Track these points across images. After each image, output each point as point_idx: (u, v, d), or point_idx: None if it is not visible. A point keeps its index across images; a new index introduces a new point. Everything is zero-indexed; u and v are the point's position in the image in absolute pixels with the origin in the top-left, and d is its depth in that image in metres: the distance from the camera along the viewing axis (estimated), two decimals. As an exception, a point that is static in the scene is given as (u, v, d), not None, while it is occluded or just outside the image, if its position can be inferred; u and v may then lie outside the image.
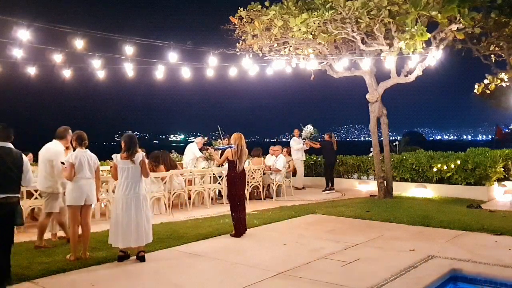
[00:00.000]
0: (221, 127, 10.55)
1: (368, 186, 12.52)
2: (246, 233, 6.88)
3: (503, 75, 11.17)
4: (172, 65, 8.80)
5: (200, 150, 10.89)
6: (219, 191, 10.43)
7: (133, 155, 5.46)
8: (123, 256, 5.43)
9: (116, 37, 7.53)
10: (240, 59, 9.67)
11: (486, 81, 11.73)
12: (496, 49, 10.71)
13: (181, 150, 11.97)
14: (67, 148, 6.21)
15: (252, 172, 10.48)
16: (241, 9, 10.12)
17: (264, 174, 10.96)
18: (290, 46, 10.41)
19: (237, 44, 10.63)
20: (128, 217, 5.36)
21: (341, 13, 8.70)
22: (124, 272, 5.04)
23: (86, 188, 5.54)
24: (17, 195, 4.32)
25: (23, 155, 4.51)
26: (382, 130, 10.89)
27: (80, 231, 5.59)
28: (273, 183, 11.09)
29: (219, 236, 6.79)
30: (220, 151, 8.28)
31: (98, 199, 5.91)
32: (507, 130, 29.32)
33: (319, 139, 13.29)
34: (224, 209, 8.79)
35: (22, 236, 6.47)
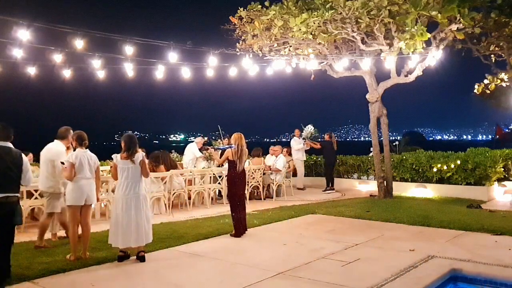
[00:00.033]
0: (221, 127, 10.56)
1: (368, 186, 12.52)
2: (246, 233, 6.89)
3: (503, 75, 11.16)
4: (172, 65, 8.80)
5: (200, 150, 10.89)
6: (219, 191, 10.43)
7: (133, 155, 5.47)
8: (123, 256, 5.44)
9: (116, 37, 7.53)
10: (240, 59, 9.67)
11: (486, 81, 11.72)
12: (496, 49, 10.71)
13: (181, 150, 11.97)
14: (68, 148, 6.22)
15: (252, 172, 10.48)
16: (241, 9, 10.12)
17: (264, 174, 10.97)
18: (290, 46, 10.41)
19: (237, 44, 10.64)
20: (128, 217, 5.36)
21: (341, 13, 8.70)
22: (124, 272, 5.04)
23: (86, 188, 5.55)
24: (16, 194, 4.32)
25: (23, 155, 4.51)
26: (382, 130, 10.89)
27: (80, 231, 5.59)
28: (273, 183, 11.09)
29: (219, 236, 6.80)
30: (220, 151, 8.28)
31: (98, 199, 5.92)
32: (507, 130, 29.34)
33: (319, 139, 13.28)
34: (224, 209, 8.79)
35: (22, 236, 6.48)
